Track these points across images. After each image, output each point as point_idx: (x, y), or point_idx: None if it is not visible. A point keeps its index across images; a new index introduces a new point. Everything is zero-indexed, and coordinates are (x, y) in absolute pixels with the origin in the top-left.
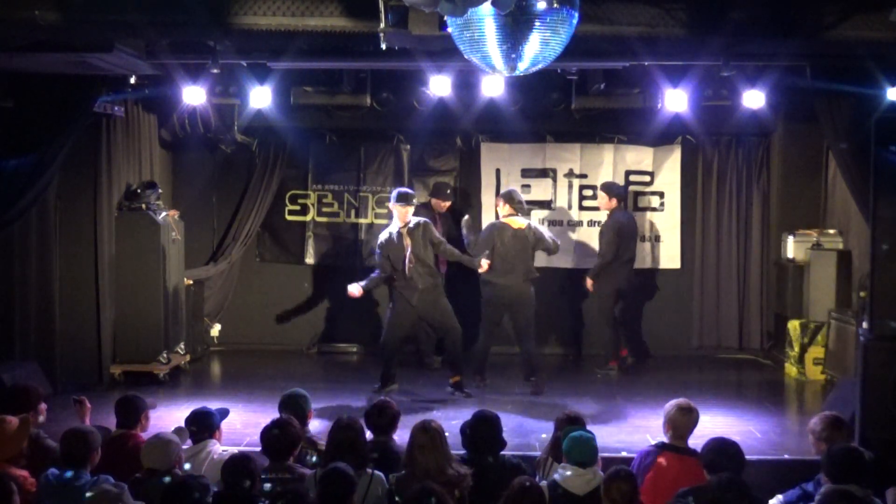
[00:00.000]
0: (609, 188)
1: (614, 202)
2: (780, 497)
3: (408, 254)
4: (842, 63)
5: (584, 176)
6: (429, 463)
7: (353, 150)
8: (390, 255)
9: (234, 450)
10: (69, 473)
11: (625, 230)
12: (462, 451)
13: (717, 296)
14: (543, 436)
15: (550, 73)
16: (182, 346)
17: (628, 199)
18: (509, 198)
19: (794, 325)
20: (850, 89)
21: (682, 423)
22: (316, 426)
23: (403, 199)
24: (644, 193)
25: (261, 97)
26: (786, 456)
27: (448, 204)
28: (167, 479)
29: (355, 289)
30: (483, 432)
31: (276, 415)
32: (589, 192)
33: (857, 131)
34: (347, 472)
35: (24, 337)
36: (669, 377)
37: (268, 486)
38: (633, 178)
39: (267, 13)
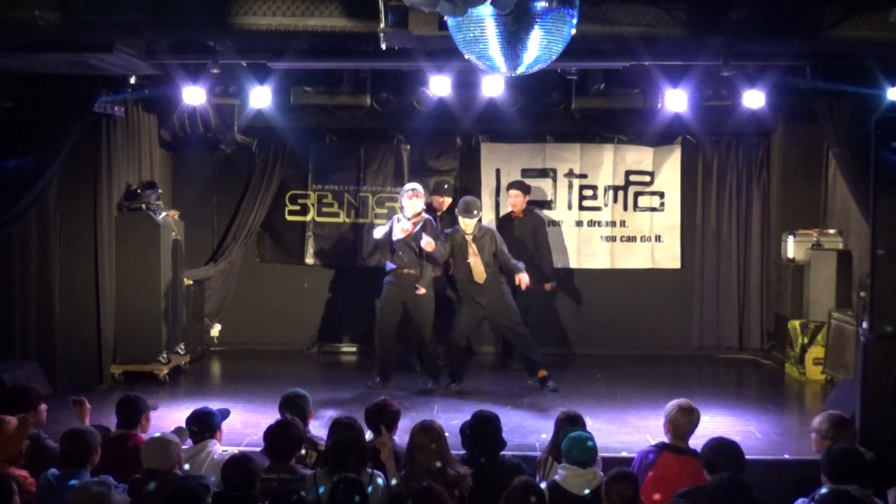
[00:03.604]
0: (524, 186)
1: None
2: None
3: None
4: (842, 63)
5: (584, 176)
6: (429, 463)
7: (353, 150)
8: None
9: (235, 450)
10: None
11: None
12: (462, 451)
13: (717, 296)
14: (543, 436)
15: (550, 73)
16: (182, 346)
17: (628, 198)
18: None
19: (794, 325)
20: (850, 89)
21: (683, 423)
22: (316, 426)
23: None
24: (644, 193)
25: (261, 97)
26: (786, 456)
27: (447, 200)
28: (152, 484)
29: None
30: (483, 432)
31: (276, 415)
32: (589, 192)
33: (857, 131)
34: (359, 482)
35: (24, 337)
36: (669, 377)
37: (277, 485)
38: (633, 178)
39: (267, 13)
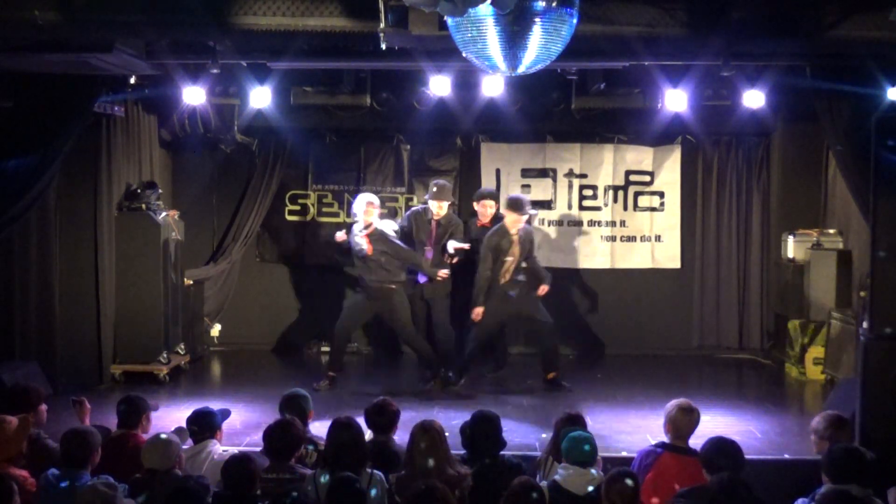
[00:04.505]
0: (498, 198)
1: None
2: None
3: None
4: (842, 63)
5: (584, 176)
6: (429, 463)
7: (353, 150)
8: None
9: (235, 450)
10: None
11: None
12: (462, 451)
13: (717, 296)
14: (543, 436)
15: (550, 73)
16: (182, 346)
17: (628, 198)
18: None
19: (794, 325)
20: (850, 89)
21: (683, 423)
22: (316, 426)
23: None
24: (644, 193)
25: (261, 97)
26: (786, 456)
27: (445, 204)
28: (141, 498)
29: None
30: (483, 432)
31: (276, 415)
32: (589, 192)
33: (857, 131)
34: (357, 482)
35: (24, 337)
36: (669, 377)
37: (278, 485)
38: (633, 178)
39: (267, 13)
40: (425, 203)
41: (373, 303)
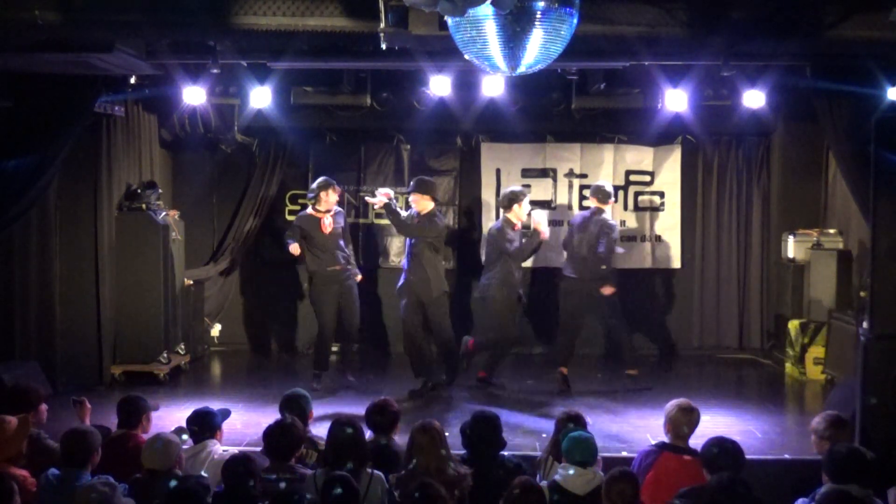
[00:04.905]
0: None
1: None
2: None
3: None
4: (842, 63)
5: (584, 176)
6: (429, 463)
7: (353, 150)
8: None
9: (235, 450)
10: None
11: None
12: (462, 451)
13: (717, 296)
14: (543, 436)
15: (550, 73)
16: (182, 346)
17: (628, 198)
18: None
19: (794, 325)
20: (850, 89)
21: (683, 422)
22: (316, 426)
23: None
24: (644, 193)
25: (261, 97)
26: (786, 456)
27: (425, 199)
28: (173, 482)
29: None
30: (483, 432)
31: (276, 415)
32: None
33: (857, 131)
34: (350, 481)
35: (24, 337)
36: (669, 377)
37: (278, 485)
38: (633, 178)
39: (267, 13)
40: None
41: (335, 288)
